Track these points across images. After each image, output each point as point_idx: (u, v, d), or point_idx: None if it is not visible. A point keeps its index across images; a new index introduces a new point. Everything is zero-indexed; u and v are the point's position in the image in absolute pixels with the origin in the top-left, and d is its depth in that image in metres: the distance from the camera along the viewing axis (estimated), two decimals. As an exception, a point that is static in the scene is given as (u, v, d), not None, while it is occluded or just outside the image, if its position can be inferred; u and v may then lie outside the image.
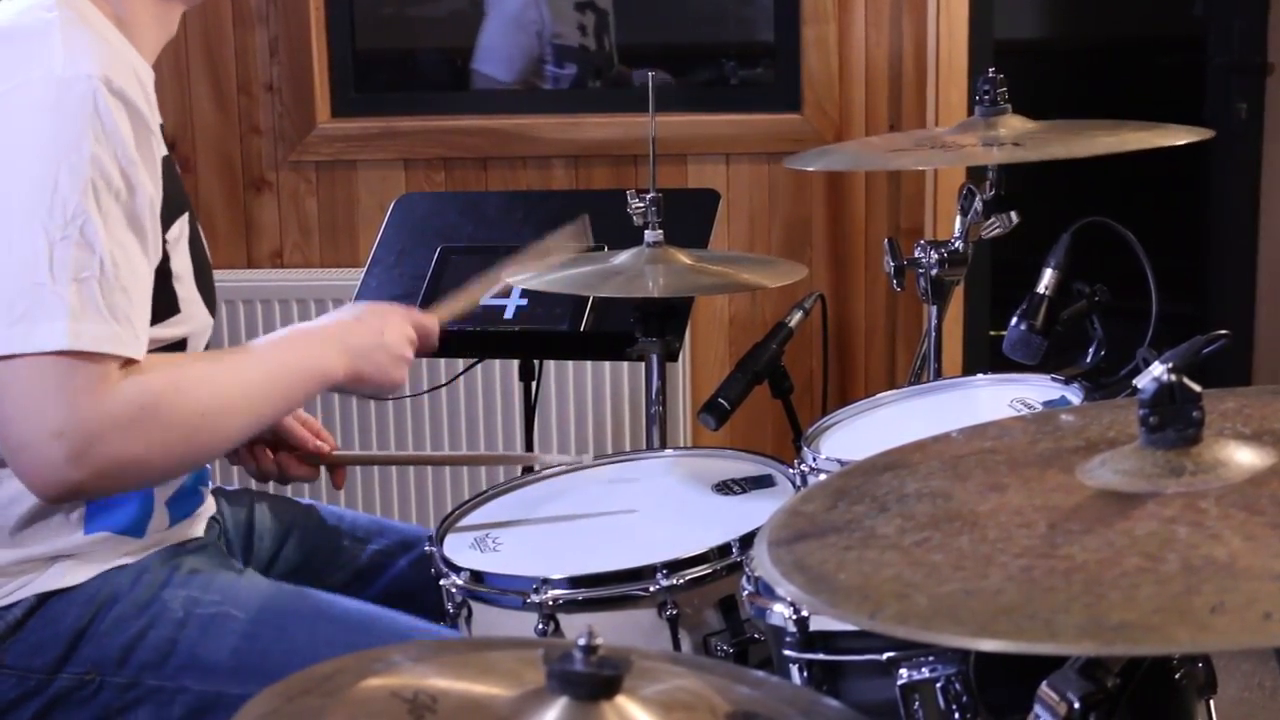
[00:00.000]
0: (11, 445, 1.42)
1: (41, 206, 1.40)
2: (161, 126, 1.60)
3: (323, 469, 1.90)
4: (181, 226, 1.59)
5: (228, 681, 1.56)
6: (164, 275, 1.54)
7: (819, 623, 1.36)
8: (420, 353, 1.77)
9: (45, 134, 1.42)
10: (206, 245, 1.69)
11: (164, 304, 1.54)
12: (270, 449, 1.85)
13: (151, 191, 1.48)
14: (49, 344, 1.38)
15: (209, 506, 1.77)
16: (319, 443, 1.88)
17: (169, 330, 1.56)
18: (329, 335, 1.67)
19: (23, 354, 1.39)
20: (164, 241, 1.54)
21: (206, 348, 1.67)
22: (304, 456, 1.87)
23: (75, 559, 1.58)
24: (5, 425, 1.41)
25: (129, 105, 1.45)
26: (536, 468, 1.95)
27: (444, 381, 3.06)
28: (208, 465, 1.76)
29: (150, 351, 1.51)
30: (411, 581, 1.86)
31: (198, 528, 1.72)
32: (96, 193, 1.41)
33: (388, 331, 1.71)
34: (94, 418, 1.40)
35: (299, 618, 1.62)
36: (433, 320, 1.82)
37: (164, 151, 1.55)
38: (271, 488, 1.95)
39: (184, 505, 1.69)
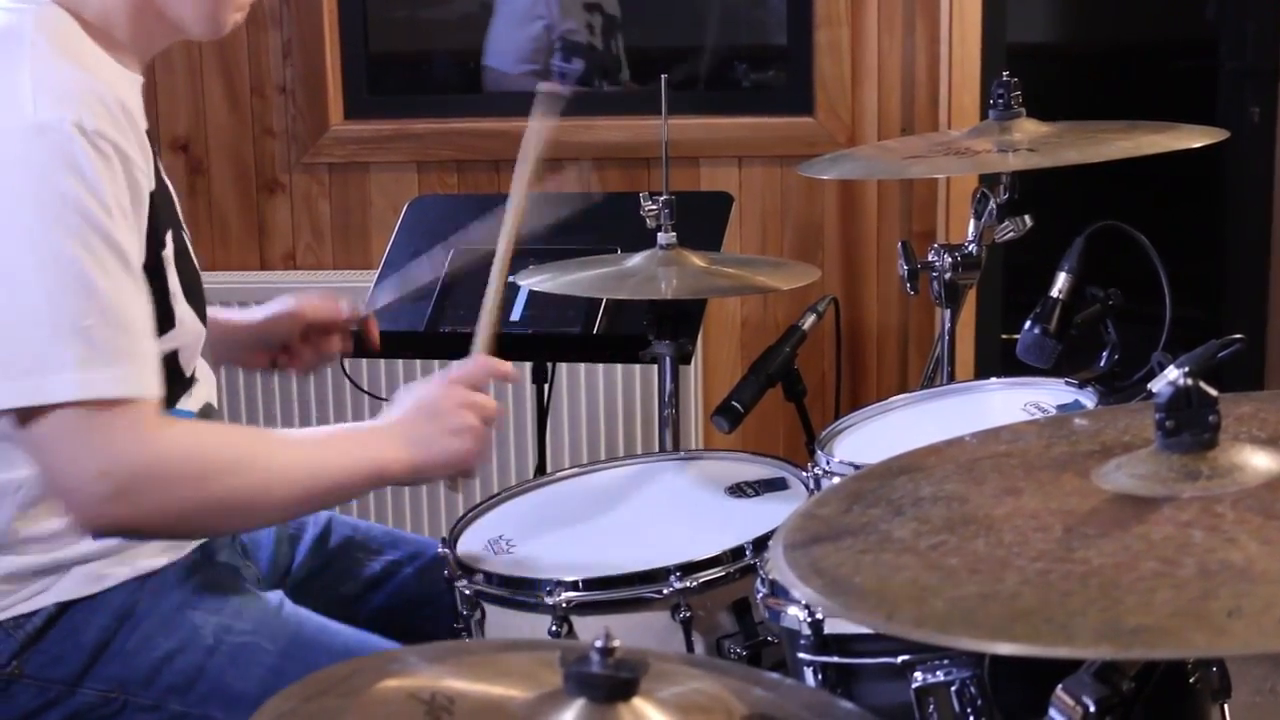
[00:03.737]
0: (61, 491, 1.45)
1: (35, 259, 1.40)
2: (149, 131, 1.57)
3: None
4: (171, 243, 1.58)
5: (253, 713, 1.55)
6: (162, 292, 1.54)
7: (833, 626, 1.37)
8: (487, 417, 1.66)
9: (28, 186, 1.40)
10: (195, 256, 1.67)
11: (162, 319, 1.54)
12: (301, 340, 1.93)
13: (136, 226, 1.47)
14: (60, 395, 1.39)
15: None
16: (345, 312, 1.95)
17: (165, 345, 1.55)
18: (384, 432, 1.62)
19: (40, 405, 1.39)
20: (160, 259, 1.54)
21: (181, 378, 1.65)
22: (333, 329, 1.94)
23: (95, 564, 1.58)
24: (54, 478, 1.44)
25: (104, 143, 1.43)
26: None
27: (456, 383, 3.05)
28: None
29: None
30: (420, 590, 1.86)
31: None
32: (86, 238, 1.40)
33: (440, 411, 1.63)
34: (138, 457, 1.42)
35: (329, 655, 1.60)
36: (481, 367, 1.72)
37: (146, 166, 1.51)
38: None
39: None
